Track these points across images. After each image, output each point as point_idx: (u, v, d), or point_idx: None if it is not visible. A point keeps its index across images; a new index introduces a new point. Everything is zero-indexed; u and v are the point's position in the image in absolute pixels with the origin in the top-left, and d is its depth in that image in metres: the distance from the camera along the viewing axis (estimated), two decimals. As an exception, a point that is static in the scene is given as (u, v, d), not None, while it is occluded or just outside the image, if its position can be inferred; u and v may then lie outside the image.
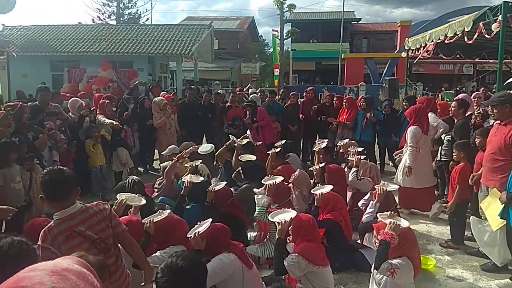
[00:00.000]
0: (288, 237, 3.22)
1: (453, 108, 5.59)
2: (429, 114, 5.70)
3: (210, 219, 3.17)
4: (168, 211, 3.33)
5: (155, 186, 5.65)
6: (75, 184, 2.30)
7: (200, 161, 5.39)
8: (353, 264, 4.02)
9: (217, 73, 25.93)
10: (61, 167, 2.35)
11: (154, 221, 3.07)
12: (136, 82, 9.55)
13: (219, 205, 4.14)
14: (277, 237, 3.17)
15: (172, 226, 3.13)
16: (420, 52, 8.97)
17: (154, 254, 2.94)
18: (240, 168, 5.31)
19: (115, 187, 4.27)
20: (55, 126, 5.78)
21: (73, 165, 5.80)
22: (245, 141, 5.94)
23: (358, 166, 5.11)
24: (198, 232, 2.96)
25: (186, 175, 4.74)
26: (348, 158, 5.52)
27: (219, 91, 10.46)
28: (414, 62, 17.76)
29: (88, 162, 6.39)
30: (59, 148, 5.64)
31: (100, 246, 2.25)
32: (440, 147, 5.84)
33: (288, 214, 3.32)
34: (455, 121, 5.71)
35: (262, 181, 4.23)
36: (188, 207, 4.28)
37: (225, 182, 4.42)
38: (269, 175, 4.63)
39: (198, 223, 3.19)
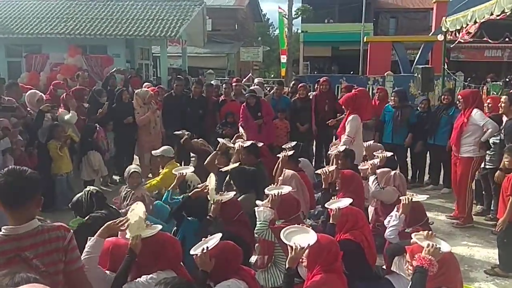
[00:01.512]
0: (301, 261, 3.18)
1: (503, 104, 5.58)
2: (474, 110, 5.72)
3: (220, 234, 3.18)
4: (160, 226, 3.26)
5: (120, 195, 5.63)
6: (37, 191, 2.30)
7: (192, 169, 5.42)
8: (378, 294, 4.02)
9: (211, 60, 25.98)
10: (22, 167, 2.33)
11: (142, 236, 3.00)
12: (113, 69, 9.54)
13: (225, 221, 4.14)
14: (287, 266, 3.06)
15: (163, 245, 3.08)
16: (461, 35, 8.98)
17: (138, 279, 2.93)
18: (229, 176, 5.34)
19: (70, 203, 4.21)
20: (10, 124, 5.80)
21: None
22: (248, 143, 5.94)
23: (375, 173, 5.12)
24: (207, 248, 2.98)
25: (172, 187, 4.77)
26: (360, 167, 5.49)
27: (212, 82, 10.47)
28: (453, 47, 17.78)
29: (52, 169, 6.41)
30: (14, 152, 5.66)
31: (45, 282, 2.22)
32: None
33: (306, 237, 3.18)
34: (504, 119, 5.72)
35: (266, 191, 4.23)
36: (190, 218, 4.29)
37: (233, 193, 4.41)
38: (277, 184, 4.66)
39: (203, 238, 3.20)
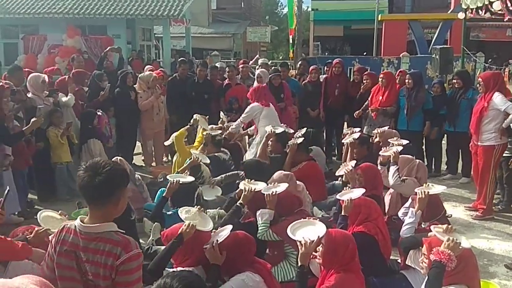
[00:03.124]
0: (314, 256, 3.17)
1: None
2: (496, 94, 5.63)
3: (230, 226, 3.21)
4: (211, 224, 3.36)
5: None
6: (117, 189, 2.26)
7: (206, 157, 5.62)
8: (392, 290, 4.03)
9: (216, 41, 25.87)
10: (106, 161, 2.30)
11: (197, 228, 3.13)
12: (107, 49, 9.49)
13: (283, 215, 4.14)
14: (299, 263, 3.04)
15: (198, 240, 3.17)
16: (482, 12, 8.82)
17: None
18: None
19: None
20: (7, 109, 5.80)
21: (32, 161, 5.88)
22: (280, 129, 5.95)
23: (396, 162, 5.09)
24: (217, 241, 2.99)
25: (181, 170, 4.84)
26: (381, 153, 5.47)
27: (216, 64, 10.43)
28: (473, 25, 17.53)
29: (51, 157, 6.44)
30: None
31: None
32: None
33: (313, 230, 3.19)
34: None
35: (262, 191, 4.22)
36: (170, 212, 4.37)
37: (286, 184, 4.37)
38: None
39: (213, 231, 3.22)
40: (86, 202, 2.27)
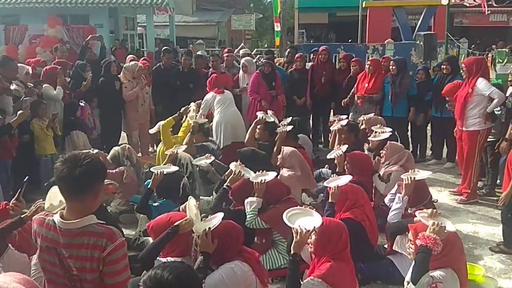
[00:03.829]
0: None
1: (512, 74, 5.53)
2: (480, 79, 5.68)
3: (221, 214, 3.23)
4: (221, 214, 3.31)
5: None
6: (95, 182, 2.22)
7: (185, 147, 5.50)
8: (379, 275, 4.08)
9: (200, 29, 25.69)
10: (85, 153, 2.26)
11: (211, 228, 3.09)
12: (88, 38, 9.34)
13: (271, 203, 4.16)
14: (292, 251, 3.03)
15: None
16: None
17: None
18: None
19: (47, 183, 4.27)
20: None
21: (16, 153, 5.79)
22: (289, 127, 5.91)
23: (384, 153, 5.11)
24: (209, 228, 2.99)
25: (163, 163, 4.82)
26: (370, 138, 5.54)
27: (199, 52, 10.34)
28: (457, 11, 17.64)
29: (35, 150, 6.36)
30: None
31: (75, 285, 2.23)
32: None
33: (310, 220, 3.18)
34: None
35: (251, 179, 4.24)
36: (155, 204, 4.35)
37: (275, 173, 4.41)
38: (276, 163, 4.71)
39: (204, 219, 3.23)
40: (64, 195, 2.23)
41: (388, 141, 5.35)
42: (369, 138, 5.36)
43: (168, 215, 3.28)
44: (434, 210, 3.27)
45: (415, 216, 3.32)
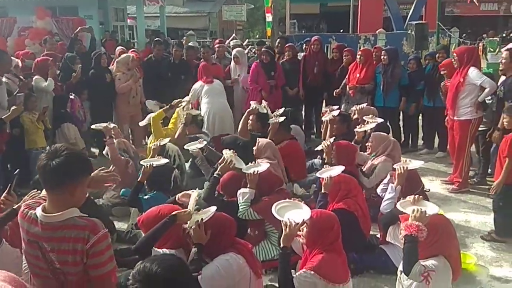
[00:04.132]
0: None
1: (503, 61, 5.50)
2: (471, 69, 5.70)
3: (215, 207, 3.23)
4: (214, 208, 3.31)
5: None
6: (77, 176, 2.20)
7: (169, 138, 5.48)
8: (372, 264, 4.10)
9: (191, 20, 25.52)
10: (66, 146, 2.24)
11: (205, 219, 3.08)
12: (77, 30, 9.25)
13: (263, 194, 4.16)
14: (281, 244, 3.04)
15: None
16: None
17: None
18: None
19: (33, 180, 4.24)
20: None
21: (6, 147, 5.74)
22: (264, 110, 5.96)
23: (370, 144, 5.11)
24: (202, 220, 2.99)
25: (150, 157, 4.79)
26: (356, 129, 5.52)
27: (191, 44, 10.26)
28: (448, 0, 17.63)
29: (26, 143, 6.31)
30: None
31: (59, 277, 2.21)
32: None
33: (299, 213, 3.19)
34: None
35: (243, 170, 4.24)
36: (146, 196, 4.33)
37: (267, 164, 4.41)
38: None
39: (195, 212, 3.24)
40: (44, 187, 2.22)
41: (372, 132, 5.35)
42: (355, 130, 5.35)
43: (157, 208, 3.27)
44: (417, 196, 3.26)
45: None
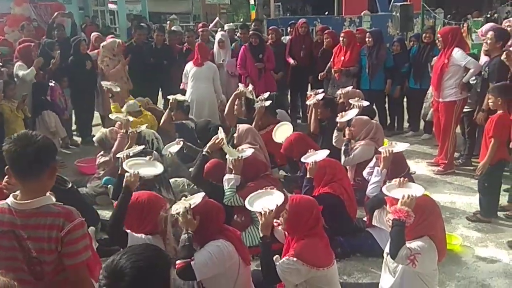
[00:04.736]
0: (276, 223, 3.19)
1: (489, 41, 5.47)
2: (455, 49, 5.68)
3: (203, 193, 3.21)
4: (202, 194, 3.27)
5: (98, 162, 5.58)
6: (51, 160, 2.18)
7: (145, 125, 5.41)
8: (359, 248, 4.13)
9: (174, 4, 25.21)
10: (33, 133, 2.20)
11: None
12: (55, 15, 9.06)
13: (249, 180, 4.16)
14: (261, 234, 3.05)
15: (147, 207, 3.13)
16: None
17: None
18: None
19: None
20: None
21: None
22: (250, 96, 5.89)
23: (349, 133, 5.10)
24: (190, 206, 2.98)
25: (126, 148, 4.72)
26: (338, 119, 5.43)
27: (174, 28, 10.13)
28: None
29: (6, 132, 6.19)
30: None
31: (34, 268, 2.16)
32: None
33: (272, 199, 3.20)
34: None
35: (227, 157, 4.22)
36: None
37: (252, 150, 4.41)
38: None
39: (183, 197, 3.23)
40: (17, 177, 2.15)
41: (353, 117, 5.30)
42: (336, 120, 5.30)
43: (135, 194, 3.21)
44: (402, 179, 3.27)
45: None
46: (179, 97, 6.18)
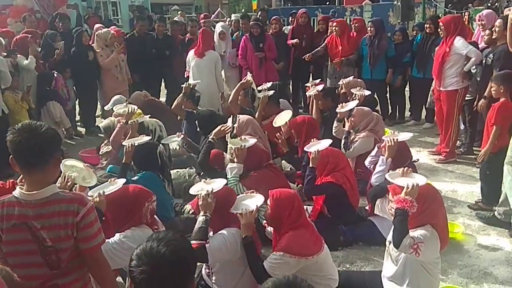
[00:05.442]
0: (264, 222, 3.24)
1: (497, 29, 5.37)
2: (457, 38, 5.63)
3: (224, 180, 3.27)
4: (123, 180, 3.28)
5: (101, 152, 5.55)
6: (56, 151, 2.18)
7: (148, 116, 5.33)
8: (361, 236, 4.11)
9: (175, -5, 25.03)
10: (38, 123, 2.17)
11: (105, 193, 2.99)
12: (60, 8, 9.04)
13: (251, 169, 4.16)
14: (243, 235, 3.01)
15: (134, 200, 3.07)
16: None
17: (111, 239, 2.88)
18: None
19: None
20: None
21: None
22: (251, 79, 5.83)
23: (349, 124, 5.06)
24: (212, 190, 3.01)
25: (129, 137, 4.68)
26: (338, 110, 5.37)
27: (176, 19, 10.07)
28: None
29: (10, 123, 6.18)
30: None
31: (50, 258, 2.14)
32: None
33: (253, 201, 3.17)
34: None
35: (229, 144, 4.21)
36: (135, 178, 4.15)
37: (255, 140, 4.38)
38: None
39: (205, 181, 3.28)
40: (24, 168, 2.12)
41: (355, 107, 5.25)
42: (336, 110, 5.25)
43: (120, 189, 3.15)
44: (406, 168, 3.25)
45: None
46: (192, 81, 6.15)
